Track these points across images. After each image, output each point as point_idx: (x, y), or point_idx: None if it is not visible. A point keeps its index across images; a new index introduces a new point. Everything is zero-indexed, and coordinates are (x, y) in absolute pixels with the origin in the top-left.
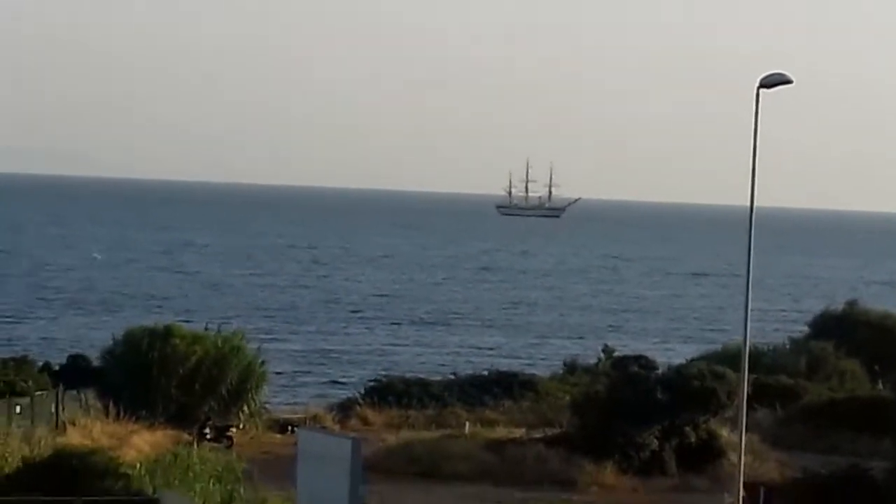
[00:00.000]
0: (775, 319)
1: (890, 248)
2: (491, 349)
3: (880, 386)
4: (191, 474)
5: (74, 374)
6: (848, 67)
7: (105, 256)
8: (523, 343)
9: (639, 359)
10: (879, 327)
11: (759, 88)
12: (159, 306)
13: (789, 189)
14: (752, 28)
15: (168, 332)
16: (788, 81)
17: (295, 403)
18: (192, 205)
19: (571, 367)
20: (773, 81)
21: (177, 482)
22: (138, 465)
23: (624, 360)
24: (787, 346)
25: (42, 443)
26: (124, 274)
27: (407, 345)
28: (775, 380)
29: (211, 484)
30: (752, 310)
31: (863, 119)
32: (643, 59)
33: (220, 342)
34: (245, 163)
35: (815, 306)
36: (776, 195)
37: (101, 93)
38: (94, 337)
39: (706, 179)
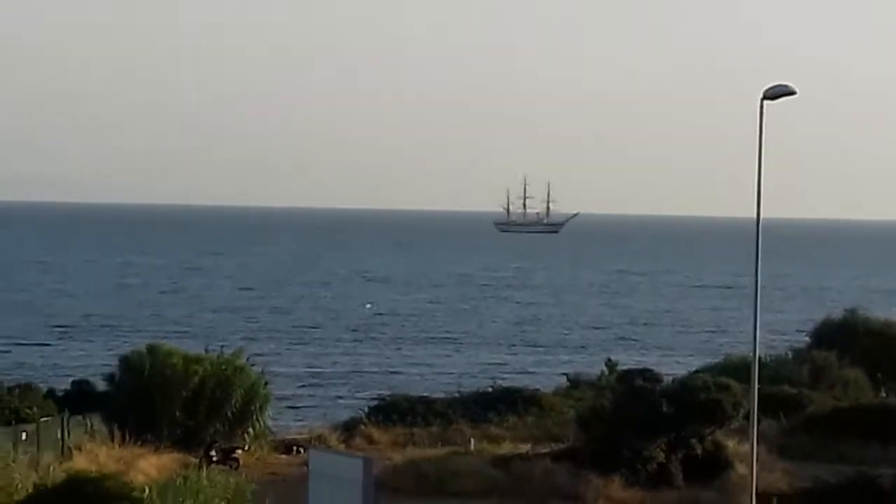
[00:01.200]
0: (777, 329)
1: (891, 257)
2: (494, 365)
3: (883, 393)
4: (201, 497)
5: (79, 399)
6: (848, 74)
7: (373, 306)
8: (527, 359)
9: (644, 372)
10: (881, 335)
11: (762, 100)
12: (164, 331)
13: (790, 199)
14: (754, 38)
15: (166, 354)
16: (792, 93)
17: (300, 424)
18: (182, 229)
19: (575, 382)
20: (777, 93)
21: None
22: (147, 490)
23: (629, 374)
24: (790, 356)
25: (50, 469)
26: (126, 299)
27: (410, 363)
28: (779, 390)
29: None
30: (749, 320)
31: (864, 126)
32: (639, 68)
33: (222, 364)
34: (232, 185)
35: (817, 315)
36: (776, 205)
37: (73, 113)
38: (98, 362)
39: (707, 191)
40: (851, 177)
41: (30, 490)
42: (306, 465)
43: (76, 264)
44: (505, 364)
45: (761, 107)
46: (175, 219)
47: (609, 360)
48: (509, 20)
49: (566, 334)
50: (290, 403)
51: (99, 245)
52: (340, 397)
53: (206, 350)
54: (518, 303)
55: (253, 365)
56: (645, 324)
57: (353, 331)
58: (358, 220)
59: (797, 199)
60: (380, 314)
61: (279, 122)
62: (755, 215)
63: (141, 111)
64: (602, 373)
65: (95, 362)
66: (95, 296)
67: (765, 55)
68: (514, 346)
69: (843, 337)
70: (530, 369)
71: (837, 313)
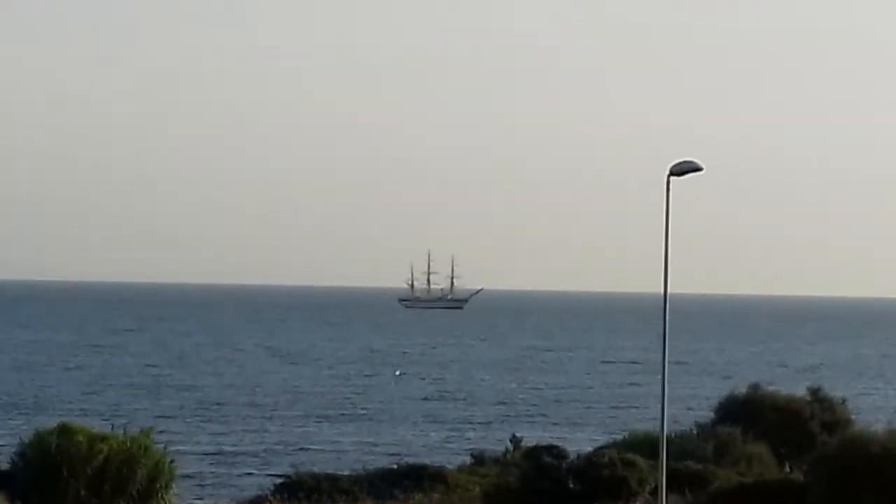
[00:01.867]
0: (683, 405)
1: (796, 332)
2: (399, 443)
3: (788, 469)
4: None
5: None
6: (759, 151)
7: (403, 373)
8: (433, 435)
9: (550, 448)
10: (785, 410)
11: (669, 175)
12: (68, 409)
13: (695, 274)
14: (663, 111)
15: (70, 431)
16: (698, 169)
17: (205, 501)
18: (92, 304)
19: (480, 458)
20: (684, 169)
21: None
22: None
23: (535, 450)
24: (694, 431)
25: None
26: (35, 376)
27: (316, 440)
28: (684, 465)
29: None
30: (654, 396)
31: (777, 201)
32: (542, 141)
33: (127, 442)
34: (125, 261)
35: (722, 391)
36: (682, 281)
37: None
38: (1, 441)
39: (614, 266)
40: (756, 252)
41: None
42: None
43: None
44: (410, 441)
45: (668, 182)
46: (79, 295)
47: (514, 436)
48: (407, 92)
49: (472, 411)
50: (195, 481)
51: (4, 320)
52: (246, 474)
53: (111, 428)
54: (423, 379)
55: (158, 443)
56: (552, 400)
57: (258, 406)
58: (259, 296)
59: (703, 275)
60: (286, 391)
61: (173, 201)
62: (662, 290)
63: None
64: (507, 449)
65: None
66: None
67: (668, 133)
68: (419, 422)
69: (747, 412)
70: (436, 446)
71: (742, 388)
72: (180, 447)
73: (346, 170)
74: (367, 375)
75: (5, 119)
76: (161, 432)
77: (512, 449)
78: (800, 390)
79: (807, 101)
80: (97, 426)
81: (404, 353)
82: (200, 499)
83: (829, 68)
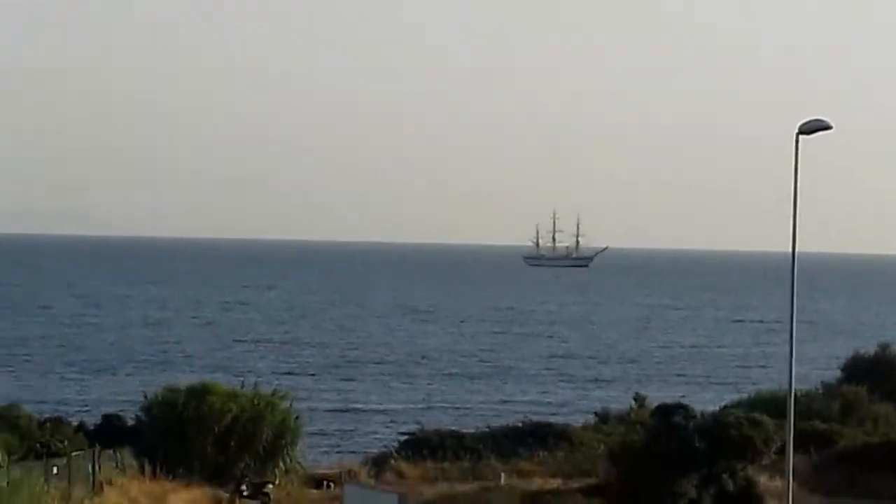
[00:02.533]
0: (809, 364)
1: None
2: (525, 401)
3: None
4: None
5: (110, 433)
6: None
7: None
8: (559, 394)
9: (677, 407)
10: None
11: (798, 134)
12: (191, 365)
13: (826, 234)
14: (789, 70)
15: (205, 390)
16: (828, 127)
17: (330, 458)
18: (206, 262)
19: (604, 417)
20: (813, 128)
21: None
22: None
23: (661, 409)
24: (820, 391)
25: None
26: (157, 333)
27: (441, 398)
28: (810, 425)
29: None
30: (780, 356)
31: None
32: (669, 102)
33: (255, 399)
34: (253, 219)
35: (849, 350)
36: (811, 240)
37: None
38: (128, 397)
39: (739, 226)
40: (888, 213)
41: None
42: (339, 500)
43: (109, 298)
44: (536, 399)
45: (797, 141)
46: (200, 252)
47: (637, 394)
48: (543, 57)
49: (598, 369)
50: (322, 438)
51: (131, 278)
52: (371, 432)
53: (241, 385)
54: (550, 337)
55: (285, 400)
56: (679, 359)
57: (386, 364)
58: (386, 254)
59: (833, 234)
60: (414, 349)
61: (293, 152)
62: (790, 250)
63: (161, 146)
64: (631, 408)
65: (125, 397)
66: (128, 329)
67: (795, 89)
68: (545, 381)
69: (874, 372)
70: (562, 404)
71: (869, 348)
72: (308, 404)
73: (473, 132)
74: (494, 333)
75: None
76: (288, 387)
77: (636, 407)
78: None
79: None
80: (227, 383)
81: (532, 310)
82: (327, 454)
83: None
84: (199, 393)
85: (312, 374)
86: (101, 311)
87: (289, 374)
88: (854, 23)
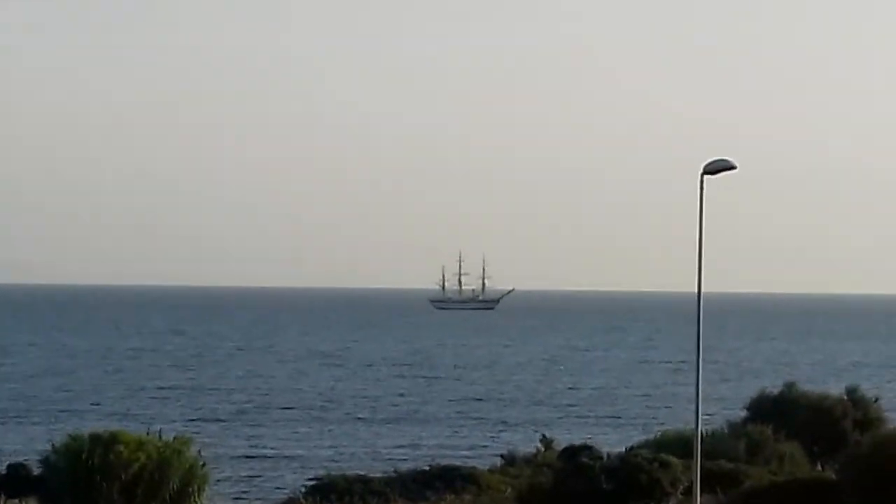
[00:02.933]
0: (714, 403)
1: (828, 330)
2: (433, 444)
3: (820, 467)
4: None
5: (15, 482)
6: (795, 147)
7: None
8: (465, 437)
9: (584, 448)
10: (817, 409)
11: (703, 175)
12: (102, 414)
13: (731, 273)
14: (703, 108)
15: (113, 439)
16: (732, 167)
17: (238, 502)
18: (123, 308)
19: (510, 459)
20: (717, 168)
21: None
22: None
23: (569, 450)
24: (726, 431)
25: None
26: (63, 382)
27: (348, 443)
28: (716, 465)
29: None
30: (687, 396)
31: (811, 197)
32: (572, 141)
33: (163, 447)
34: (151, 264)
35: (755, 389)
36: (717, 280)
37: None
38: (34, 447)
39: (644, 266)
40: (788, 251)
41: None
42: None
43: (19, 346)
44: (443, 443)
45: (701, 181)
46: (100, 300)
47: (544, 436)
48: (434, 94)
49: (505, 412)
50: (229, 484)
51: (44, 327)
52: (278, 477)
53: (147, 431)
54: (457, 380)
55: (192, 446)
56: (585, 401)
57: (294, 409)
58: (289, 298)
59: (739, 274)
60: (320, 393)
61: (211, 198)
62: (696, 289)
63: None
64: (538, 450)
65: (31, 447)
66: (34, 378)
67: (701, 132)
68: (452, 424)
69: (779, 410)
70: (469, 448)
71: (775, 387)
72: (215, 450)
73: (374, 170)
74: (401, 377)
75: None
76: (195, 433)
77: (543, 449)
78: (835, 388)
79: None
80: (135, 430)
81: (439, 354)
82: (235, 500)
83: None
84: (106, 441)
85: (220, 420)
86: (6, 359)
87: (198, 419)
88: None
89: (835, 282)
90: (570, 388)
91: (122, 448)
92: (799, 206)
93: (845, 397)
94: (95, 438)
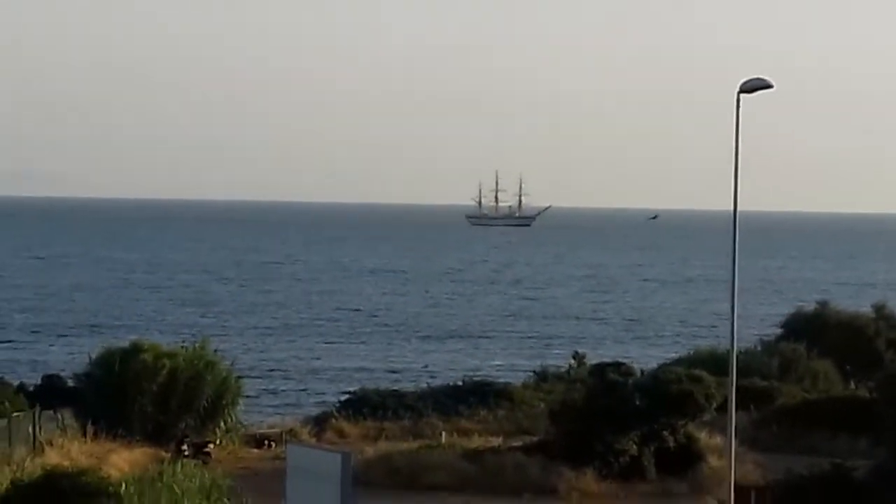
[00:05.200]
0: (748, 322)
1: (864, 250)
2: (466, 358)
3: (852, 385)
4: (178, 491)
5: (50, 394)
6: (826, 64)
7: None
8: (499, 352)
9: (617, 365)
10: (850, 327)
11: (739, 93)
12: (139, 326)
13: (765, 193)
14: (735, 29)
15: (136, 349)
16: (769, 86)
17: (272, 417)
18: (160, 223)
19: (543, 375)
20: (754, 86)
21: (164, 500)
22: (124, 484)
23: (600, 367)
24: (759, 349)
25: (24, 464)
26: (105, 295)
27: (381, 358)
28: (749, 382)
29: (199, 501)
30: (722, 314)
31: (839, 120)
32: (606, 59)
33: (194, 359)
34: (199, 178)
35: (789, 308)
36: (751, 199)
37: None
38: (68, 358)
39: (681, 185)
40: (826, 171)
41: (5, 485)
42: (284, 459)
43: (56, 259)
44: (477, 357)
45: (737, 100)
46: (164, 214)
47: (576, 353)
48: (478, 16)
49: (539, 328)
50: (261, 397)
51: (83, 240)
52: (311, 391)
53: (181, 345)
54: (491, 296)
55: (225, 360)
56: (620, 318)
57: (328, 322)
58: (328, 213)
59: (773, 193)
60: (356, 310)
61: (255, 114)
62: (732, 209)
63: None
64: (570, 366)
65: (66, 358)
66: (71, 292)
67: (736, 51)
68: (485, 339)
69: (812, 329)
70: (502, 363)
71: (808, 305)
72: (250, 363)
73: (416, 90)
74: (434, 293)
75: None
76: (230, 348)
77: (575, 366)
78: (867, 308)
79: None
80: (168, 344)
81: (474, 271)
82: (268, 415)
83: None
84: (135, 352)
85: (257, 334)
86: (52, 272)
87: (234, 334)
88: None
89: (872, 202)
90: (605, 303)
91: (146, 357)
92: (835, 128)
93: (874, 316)
94: (126, 350)
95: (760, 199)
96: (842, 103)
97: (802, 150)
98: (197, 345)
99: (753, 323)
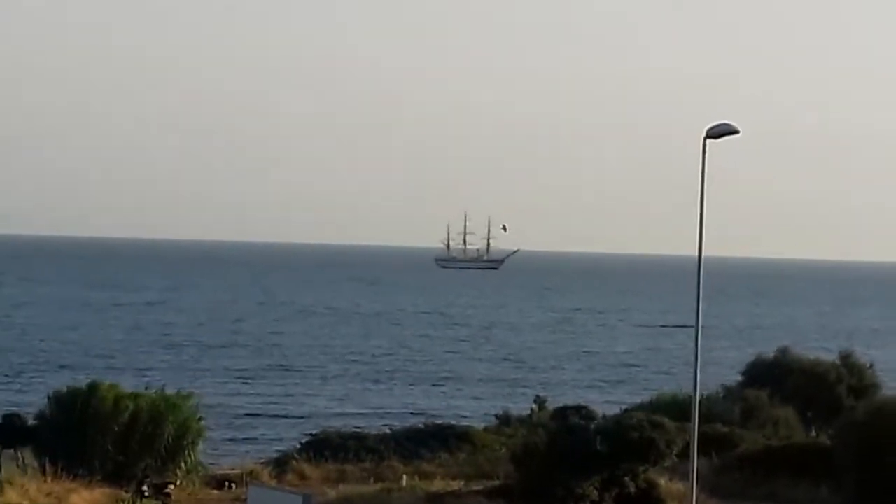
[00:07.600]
0: (711, 367)
1: (828, 296)
2: (427, 402)
3: (814, 432)
4: None
5: (10, 433)
6: (800, 109)
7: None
8: (459, 396)
9: (579, 409)
10: (811, 374)
11: (705, 138)
12: (101, 367)
13: (731, 238)
14: (711, 72)
15: (95, 388)
16: (735, 132)
17: (233, 458)
18: (126, 261)
19: (505, 419)
20: (720, 132)
21: None
22: None
23: (564, 411)
24: (721, 394)
25: None
26: (69, 335)
27: (342, 400)
28: (711, 428)
29: None
30: (684, 358)
31: (802, 167)
32: (578, 104)
33: (157, 400)
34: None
35: (752, 354)
36: (717, 244)
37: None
38: (29, 398)
39: (652, 229)
40: (790, 216)
41: None
42: (245, 501)
43: (19, 298)
44: (438, 402)
45: (704, 145)
46: (112, 252)
47: (538, 396)
48: (445, 45)
49: (500, 372)
50: (224, 439)
51: (52, 278)
52: (272, 432)
53: (145, 387)
54: (456, 340)
55: (187, 399)
56: (581, 362)
57: (284, 369)
58: (294, 255)
59: (738, 238)
60: (322, 353)
61: (208, 160)
62: (697, 253)
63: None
64: (532, 410)
65: (26, 398)
66: (34, 330)
67: (708, 96)
68: (447, 383)
69: (774, 375)
70: (463, 407)
71: (769, 352)
72: (210, 406)
73: (385, 132)
74: (399, 336)
75: None
76: (192, 390)
77: (537, 409)
78: (831, 355)
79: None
80: (130, 385)
81: (441, 314)
82: (228, 456)
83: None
84: (98, 393)
85: (215, 376)
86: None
87: (193, 374)
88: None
89: (845, 249)
90: (569, 347)
91: (108, 397)
92: (806, 172)
93: (839, 363)
94: (89, 390)
95: (725, 244)
96: (809, 147)
97: (768, 195)
98: (161, 391)
99: (714, 368)
